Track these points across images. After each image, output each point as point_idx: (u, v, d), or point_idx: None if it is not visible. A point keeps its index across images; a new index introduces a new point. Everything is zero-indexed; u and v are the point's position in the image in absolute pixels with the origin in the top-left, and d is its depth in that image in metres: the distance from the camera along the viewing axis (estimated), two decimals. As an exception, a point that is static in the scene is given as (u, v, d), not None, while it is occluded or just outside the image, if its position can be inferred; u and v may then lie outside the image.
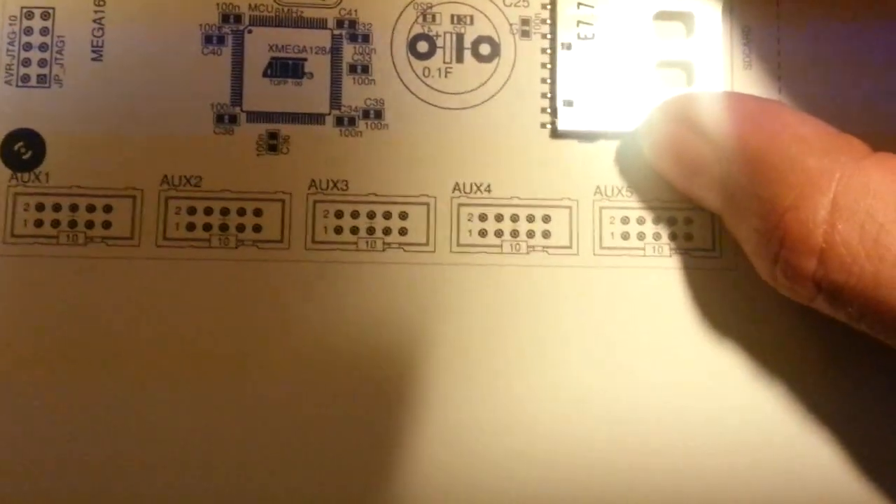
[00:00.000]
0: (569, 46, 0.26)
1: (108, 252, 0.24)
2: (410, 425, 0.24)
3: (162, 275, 0.24)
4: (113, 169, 0.24)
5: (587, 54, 0.26)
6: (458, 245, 0.25)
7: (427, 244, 0.25)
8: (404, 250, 0.25)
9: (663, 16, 0.26)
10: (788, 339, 0.25)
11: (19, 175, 0.24)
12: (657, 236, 0.26)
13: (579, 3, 0.26)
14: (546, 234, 0.25)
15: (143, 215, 0.25)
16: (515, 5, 0.26)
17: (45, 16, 0.25)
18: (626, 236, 0.26)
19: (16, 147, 0.24)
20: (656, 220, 0.26)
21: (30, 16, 0.25)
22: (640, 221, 0.26)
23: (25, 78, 0.25)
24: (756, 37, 0.27)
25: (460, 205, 0.25)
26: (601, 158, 0.26)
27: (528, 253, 0.25)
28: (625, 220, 0.26)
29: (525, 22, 0.26)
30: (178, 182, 0.25)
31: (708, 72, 0.26)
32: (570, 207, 0.26)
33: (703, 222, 0.26)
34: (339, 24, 0.26)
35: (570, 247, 0.25)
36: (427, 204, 0.25)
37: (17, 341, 0.24)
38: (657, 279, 0.25)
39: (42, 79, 0.25)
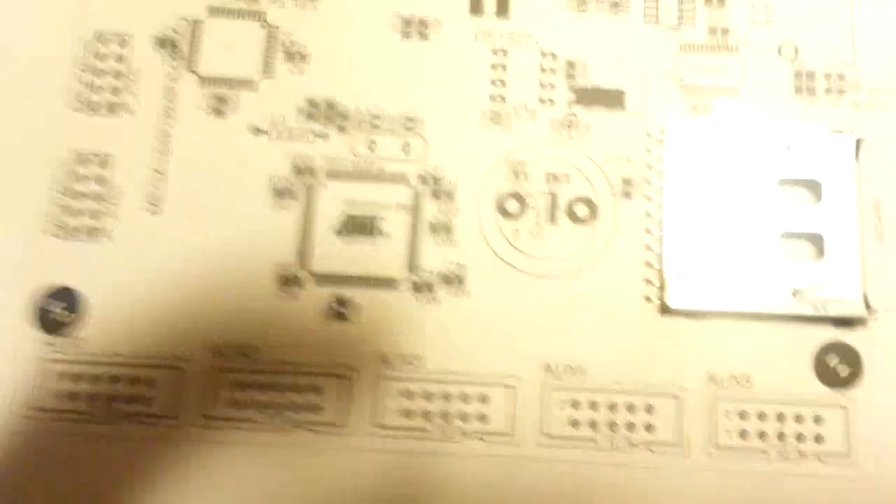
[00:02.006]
0: (678, 210, 0.23)
1: (144, 432, 0.21)
2: None
3: (206, 458, 0.21)
4: (158, 337, 0.22)
5: (700, 220, 0.23)
6: (545, 436, 0.22)
7: (509, 434, 0.22)
8: (483, 440, 0.22)
9: (788, 183, 0.23)
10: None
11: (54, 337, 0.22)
12: (781, 436, 0.22)
13: (691, 162, 0.23)
14: (649, 428, 0.22)
15: (188, 389, 0.21)
16: (616, 163, 0.24)
17: (103, 164, 0.23)
18: (744, 435, 0.22)
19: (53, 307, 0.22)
20: (780, 418, 0.22)
21: (83, 161, 0.23)
22: (762, 417, 0.22)
23: (74, 231, 0.22)
24: (887, 208, 0.23)
25: (550, 389, 0.22)
26: (716, 341, 0.22)
27: (627, 450, 0.22)
28: (743, 416, 0.22)
29: (627, 182, 0.23)
30: (231, 353, 0.22)
31: (839, 245, 0.23)
32: (678, 397, 0.22)
33: (835, 421, 0.22)
34: (423, 179, 0.23)
35: (677, 444, 0.22)
36: (513, 387, 0.22)
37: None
38: (781, 487, 0.21)
39: (92, 232, 0.22)
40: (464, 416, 0.22)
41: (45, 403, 0.21)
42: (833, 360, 0.22)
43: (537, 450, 0.22)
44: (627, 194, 0.23)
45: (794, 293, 0.22)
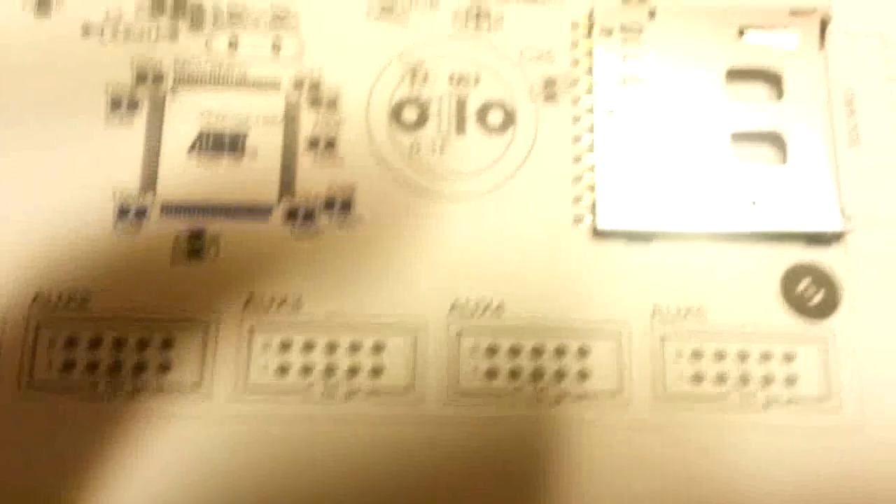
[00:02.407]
0: (611, 113, 0.19)
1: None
2: None
3: (27, 428, 0.17)
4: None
5: (636, 125, 0.19)
6: (454, 392, 0.17)
7: (409, 390, 0.17)
8: (377, 396, 0.17)
9: (740, 75, 0.19)
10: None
11: None
12: (744, 379, 0.18)
13: (625, 56, 0.19)
14: (583, 375, 0.18)
15: (3, 348, 0.17)
16: (537, 60, 0.19)
17: None
18: (698, 379, 0.18)
19: None
20: (742, 357, 0.18)
21: None
22: (719, 357, 0.18)
23: None
24: (862, 102, 0.19)
25: (459, 334, 0.18)
26: (661, 267, 0.18)
27: (555, 403, 0.17)
28: (696, 356, 0.18)
29: (550, 83, 0.19)
30: (58, 301, 0.17)
31: (805, 146, 0.19)
32: (618, 335, 0.18)
33: (809, 358, 0.18)
34: (298, 84, 0.19)
35: (616, 393, 0.18)
36: (413, 332, 0.18)
37: None
38: (745, 443, 0.17)
39: None
40: (353, 370, 0.17)
41: None
42: (804, 285, 0.18)
43: (443, 408, 0.17)
44: (551, 97, 0.19)
45: (754, 205, 0.18)
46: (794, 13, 0.19)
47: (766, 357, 0.18)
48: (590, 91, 0.19)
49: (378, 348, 0.18)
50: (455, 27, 0.20)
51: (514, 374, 0.18)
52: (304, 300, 0.18)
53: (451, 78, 0.19)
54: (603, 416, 0.17)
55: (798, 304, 0.18)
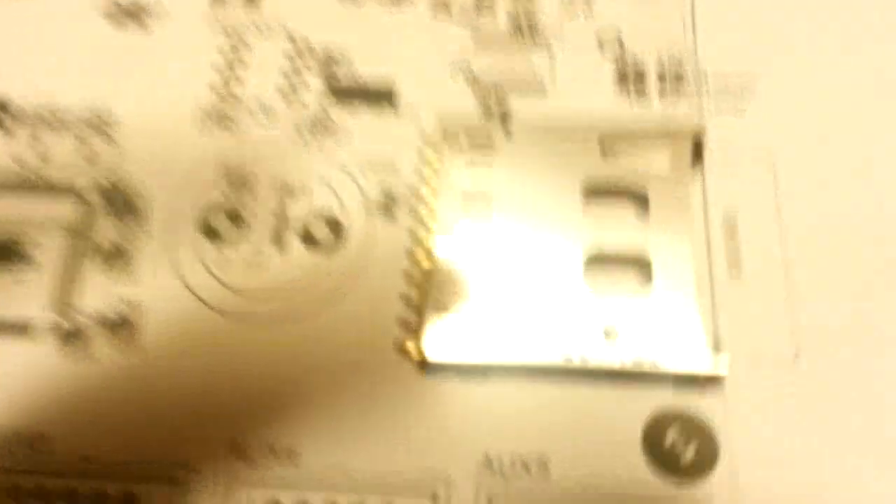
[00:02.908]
0: (448, 230, 0.16)
1: None
2: None
3: None
4: None
5: (479, 245, 0.16)
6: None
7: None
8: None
9: (602, 194, 0.17)
10: None
11: None
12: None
13: (474, 171, 0.17)
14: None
15: None
16: (377, 173, 0.17)
17: None
18: (536, 551, 0.14)
19: None
20: (592, 523, 0.14)
21: None
22: (564, 525, 0.14)
23: None
24: (745, 228, 0.17)
25: (244, 486, 0.14)
26: (496, 409, 0.15)
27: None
28: (535, 522, 0.14)
29: (389, 196, 0.17)
30: None
31: (673, 275, 0.16)
32: (432, 495, 0.14)
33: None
34: (101, 190, 0.17)
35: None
36: (183, 484, 0.14)
37: None
38: None
39: None
40: (106, 526, 0.14)
41: None
42: (672, 437, 0.15)
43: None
44: (388, 210, 0.17)
45: (608, 335, 0.15)
46: (664, 133, 0.17)
47: (623, 526, 0.14)
48: (431, 207, 0.17)
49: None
50: (293, 136, 0.18)
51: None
52: (56, 441, 0.15)
53: (277, 188, 0.17)
54: None
55: (665, 460, 0.15)
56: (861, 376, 0.15)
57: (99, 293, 0.16)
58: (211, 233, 0.17)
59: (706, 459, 0.15)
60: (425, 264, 0.16)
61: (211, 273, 0.16)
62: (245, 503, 0.14)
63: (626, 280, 0.16)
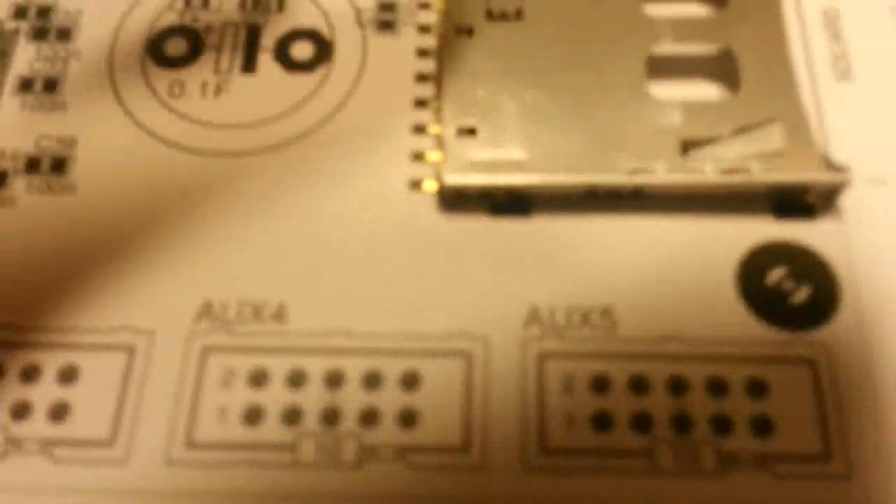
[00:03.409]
0: (469, 31, 0.13)
1: None
2: None
3: None
4: None
5: (503, 47, 0.12)
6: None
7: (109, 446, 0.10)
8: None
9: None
10: None
11: None
12: (680, 424, 0.10)
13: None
14: (409, 419, 0.10)
15: None
16: (371, -20, 0.14)
17: None
18: (599, 424, 0.10)
19: None
20: (674, 386, 0.11)
21: None
22: (636, 389, 0.11)
23: None
24: (849, 24, 0.13)
25: (207, 349, 0.11)
26: (545, 247, 0.11)
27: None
28: (599, 387, 0.11)
29: (388, 6, 0.13)
30: None
31: (765, 69, 0.12)
32: (468, 356, 0.11)
33: (791, 389, 0.11)
34: (19, 12, 0.13)
35: (464, 449, 0.10)
36: (129, 348, 0.11)
37: None
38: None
39: None
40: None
41: None
42: (777, 276, 0.11)
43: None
44: (387, 25, 0.13)
45: (684, 149, 0.12)
46: None
47: (717, 389, 0.11)
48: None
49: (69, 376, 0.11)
50: (259, -59, 0.14)
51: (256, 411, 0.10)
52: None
53: (242, 2, 0.13)
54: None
55: (767, 306, 0.11)
56: None
57: (24, 129, 0.12)
58: (160, 57, 0.13)
59: (821, 305, 0.11)
60: (438, 78, 0.12)
61: (159, 100, 0.12)
62: (221, 373, 0.11)
63: (704, 85, 0.12)
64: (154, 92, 0.13)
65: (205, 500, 0.10)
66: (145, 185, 0.12)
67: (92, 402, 0.10)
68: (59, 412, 0.10)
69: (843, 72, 0.13)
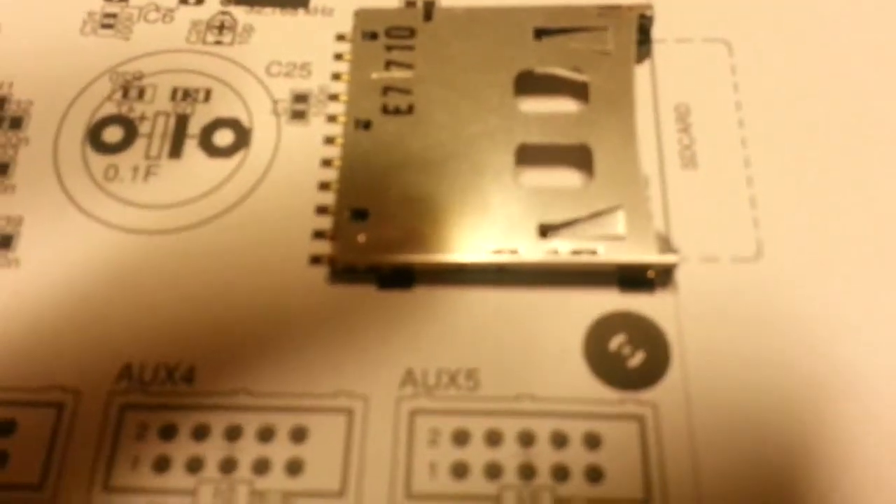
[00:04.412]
0: (367, 125, 0.15)
1: None
2: None
3: None
4: None
5: (394, 142, 0.14)
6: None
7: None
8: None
9: (535, 81, 0.15)
10: None
11: None
12: (526, 472, 0.12)
13: (388, 63, 0.15)
14: (296, 467, 0.12)
15: None
16: (288, 75, 0.16)
17: None
18: (458, 471, 0.12)
19: None
20: (523, 438, 0.13)
21: None
22: (491, 440, 0.13)
23: None
24: (698, 118, 0.15)
25: (123, 407, 0.13)
26: (419, 320, 0.13)
27: None
28: (459, 440, 0.13)
29: (301, 98, 0.15)
30: None
31: (616, 163, 0.14)
32: (350, 412, 0.13)
33: (623, 440, 0.13)
34: (-22, 101, 0.15)
35: (342, 494, 0.12)
36: (69, 410, 0.13)
37: None
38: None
39: None
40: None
41: None
42: (618, 342, 0.13)
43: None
44: (300, 114, 0.15)
45: (542, 232, 0.14)
46: (606, 10, 0.15)
47: (560, 442, 0.12)
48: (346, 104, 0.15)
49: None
50: (190, 38, 0.16)
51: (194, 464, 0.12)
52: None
53: (174, 93, 0.15)
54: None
55: (608, 368, 0.13)
56: (823, 276, 0.14)
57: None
58: (99, 144, 0.15)
59: (654, 366, 0.13)
60: (339, 165, 0.14)
61: (95, 183, 0.14)
62: (136, 429, 0.13)
63: (565, 172, 0.14)
64: (91, 175, 0.15)
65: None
66: (83, 261, 0.14)
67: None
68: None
69: (689, 160, 0.15)
